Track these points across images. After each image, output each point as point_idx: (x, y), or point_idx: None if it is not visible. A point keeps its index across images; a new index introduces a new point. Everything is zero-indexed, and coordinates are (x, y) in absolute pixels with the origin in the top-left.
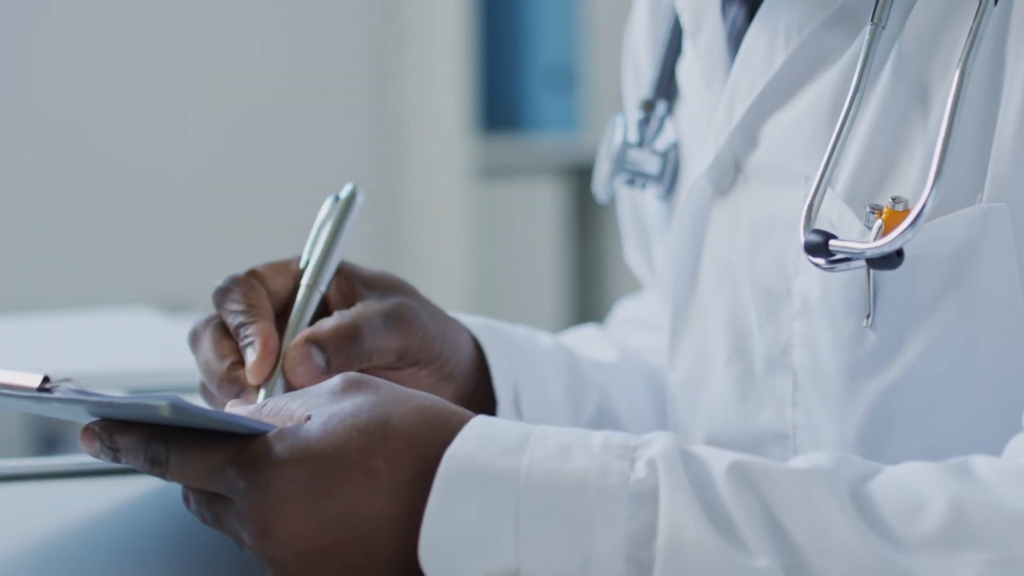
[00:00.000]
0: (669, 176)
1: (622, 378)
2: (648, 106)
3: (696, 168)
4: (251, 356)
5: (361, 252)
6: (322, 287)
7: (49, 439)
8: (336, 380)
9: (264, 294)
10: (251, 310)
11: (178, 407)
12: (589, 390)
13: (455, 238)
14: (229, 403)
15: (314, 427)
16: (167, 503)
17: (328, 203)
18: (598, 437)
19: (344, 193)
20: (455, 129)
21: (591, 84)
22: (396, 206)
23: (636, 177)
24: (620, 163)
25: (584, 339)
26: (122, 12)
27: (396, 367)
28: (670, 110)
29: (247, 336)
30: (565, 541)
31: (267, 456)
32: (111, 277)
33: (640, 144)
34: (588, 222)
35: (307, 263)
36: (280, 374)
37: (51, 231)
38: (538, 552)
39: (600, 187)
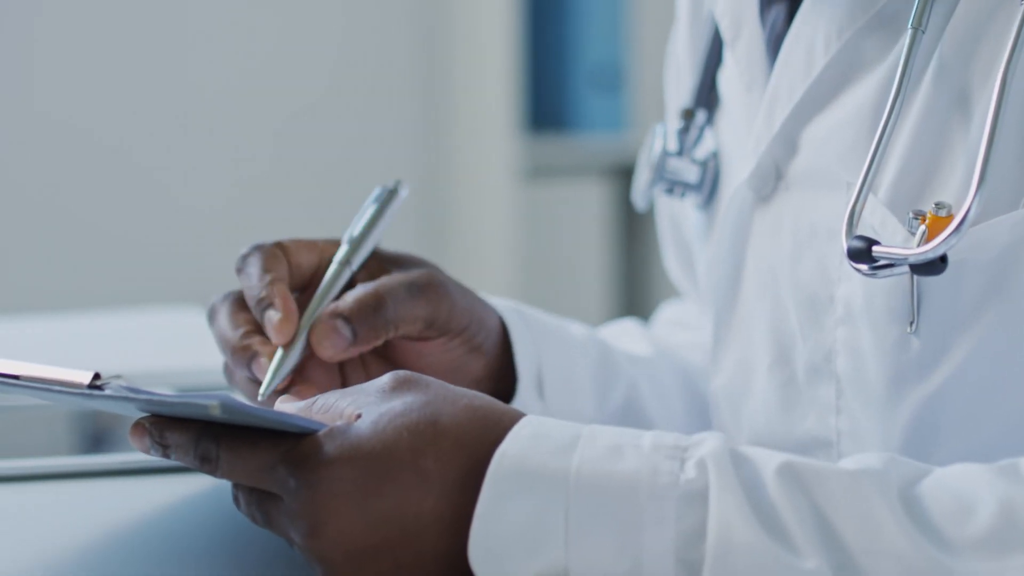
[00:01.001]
0: (708, 185)
1: (654, 373)
2: (688, 115)
3: (737, 176)
4: (274, 316)
5: (407, 250)
6: (353, 266)
7: (96, 437)
8: (386, 378)
9: (284, 263)
10: (267, 275)
11: (228, 406)
12: (618, 380)
13: (501, 238)
14: (278, 401)
15: (364, 426)
16: (216, 501)
17: (375, 192)
18: (648, 437)
19: (391, 184)
20: (501, 129)
21: (638, 84)
22: (442, 205)
23: (675, 186)
24: (659, 172)
25: (620, 332)
26: (175, 14)
27: (426, 336)
28: (710, 119)
29: (264, 299)
30: (615, 541)
31: (318, 455)
32: (160, 276)
33: (679, 153)
34: (634, 222)
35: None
36: (295, 347)
37: (99, 231)
38: (588, 552)
39: (639, 195)
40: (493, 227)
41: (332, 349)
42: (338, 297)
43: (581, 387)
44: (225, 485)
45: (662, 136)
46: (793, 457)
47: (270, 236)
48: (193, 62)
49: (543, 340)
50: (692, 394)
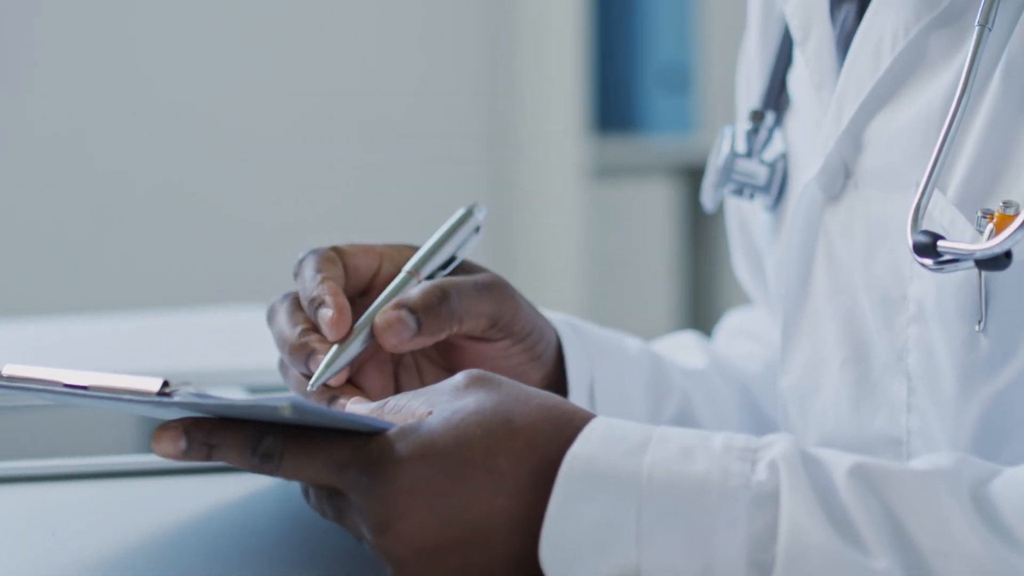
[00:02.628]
0: (777, 187)
1: (708, 385)
2: (757, 116)
3: (806, 177)
4: (326, 313)
5: (474, 251)
6: (421, 276)
7: None
8: (459, 377)
9: (339, 265)
10: (319, 275)
11: (299, 407)
12: (670, 393)
13: (568, 238)
14: (350, 403)
15: (436, 423)
16: (284, 499)
17: (459, 212)
18: (719, 439)
19: (468, 206)
20: (569, 129)
21: (706, 85)
22: (509, 206)
23: (744, 187)
24: (728, 173)
25: (676, 344)
26: (251, 18)
27: (489, 337)
28: (779, 121)
29: (316, 298)
30: (686, 543)
31: (390, 452)
32: (231, 274)
33: (748, 154)
34: (702, 223)
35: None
36: (350, 345)
37: (171, 229)
38: (659, 554)
39: (708, 197)
40: (560, 227)
41: (396, 338)
42: None
43: (633, 400)
44: (291, 484)
45: (731, 137)
46: (864, 458)
47: (337, 237)
48: (266, 67)
49: (596, 354)
50: (749, 405)
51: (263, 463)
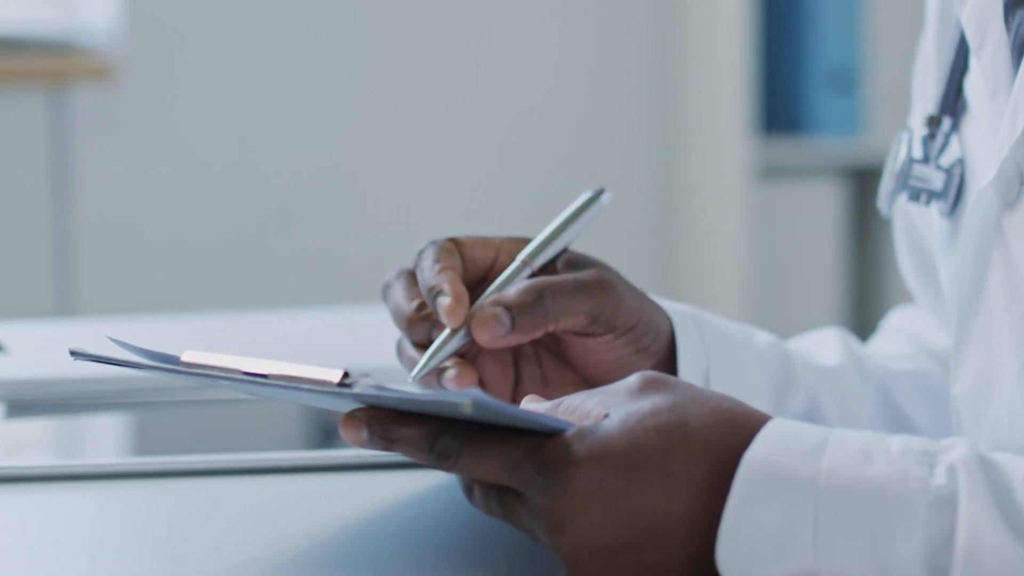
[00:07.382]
0: (953, 192)
1: (838, 382)
2: (933, 122)
3: (982, 182)
4: (444, 301)
5: (640, 250)
6: (535, 265)
7: (328, 431)
8: (634, 379)
9: (457, 256)
10: (437, 264)
11: (480, 404)
12: (796, 389)
13: (734, 238)
14: (524, 400)
15: (612, 425)
16: (450, 497)
17: (580, 197)
18: (897, 442)
19: (595, 191)
20: (735, 130)
21: (874, 86)
22: (675, 205)
23: (920, 193)
24: (904, 179)
25: (814, 341)
26: (407, 17)
27: (591, 332)
28: (955, 126)
29: (435, 287)
30: (863, 546)
31: (567, 454)
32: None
33: (925, 160)
34: (868, 225)
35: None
36: (457, 334)
37: (348, 227)
38: (836, 556)
39: (884, 202)
40: (725, 227)
41: (489, 335)
42: None
43: (754, 394)
44: (455, 480)
45: (907, 143)
46: None
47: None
48: (427, 63)
49: (715, 346)
50: (887, 405)
51: (440, 461)
